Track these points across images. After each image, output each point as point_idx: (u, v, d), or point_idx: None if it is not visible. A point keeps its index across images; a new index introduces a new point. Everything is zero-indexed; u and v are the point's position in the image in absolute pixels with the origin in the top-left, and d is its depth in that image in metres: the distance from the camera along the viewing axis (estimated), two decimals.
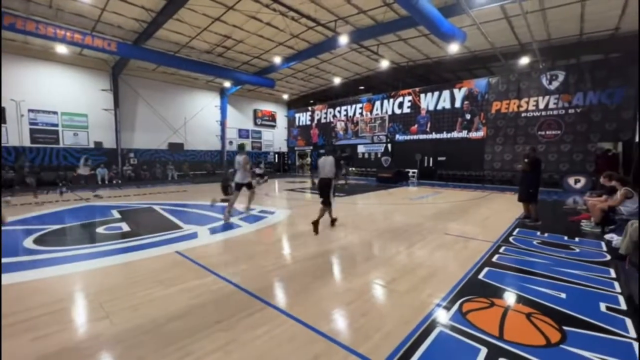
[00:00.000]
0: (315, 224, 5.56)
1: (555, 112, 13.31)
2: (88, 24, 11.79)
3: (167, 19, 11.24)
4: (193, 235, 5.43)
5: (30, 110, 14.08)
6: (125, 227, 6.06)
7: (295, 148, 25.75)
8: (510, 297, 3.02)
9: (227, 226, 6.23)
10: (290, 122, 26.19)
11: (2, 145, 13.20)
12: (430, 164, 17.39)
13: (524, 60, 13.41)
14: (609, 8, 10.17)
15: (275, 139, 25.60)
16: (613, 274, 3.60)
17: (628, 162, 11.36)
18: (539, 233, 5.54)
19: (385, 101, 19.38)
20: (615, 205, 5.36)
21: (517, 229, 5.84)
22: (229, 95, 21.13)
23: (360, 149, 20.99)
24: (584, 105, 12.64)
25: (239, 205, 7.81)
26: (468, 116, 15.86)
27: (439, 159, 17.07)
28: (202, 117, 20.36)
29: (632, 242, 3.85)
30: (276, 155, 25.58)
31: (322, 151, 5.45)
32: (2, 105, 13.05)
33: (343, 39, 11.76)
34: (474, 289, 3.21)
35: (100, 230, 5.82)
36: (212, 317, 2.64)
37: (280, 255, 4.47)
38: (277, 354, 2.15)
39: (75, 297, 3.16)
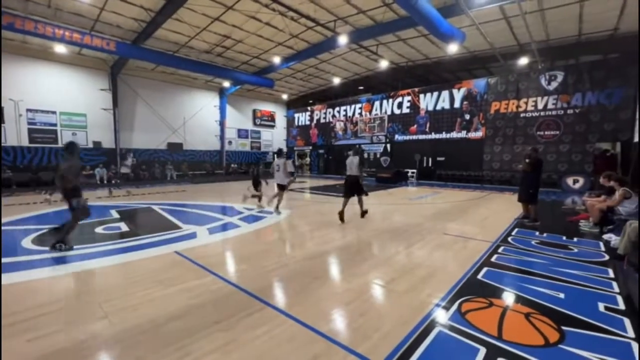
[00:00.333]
0: (341, 214, 6.41)
1: (554, 113, 13.35)
2: (87, 23, 11.76)
3: (166, 19, 11.23)
4: (192, 235, 5.42)
5: (28, 110, 14.04)
6: (124, 227, 6.06)
7: (295, 148, 25.75)
8: (509, 297, 3.03)
9: (227, 226, 6.23)
10: (290, 122, 26.19)
11: (2, 145, 13.17)
12: (430, 164, 17.42)
13: (523, 61, 13.43)
14: (607, 9, 10.20)
15: (275, 139, 25.59)
16: (611, 274, 3.61)
17: (626, 162, 11.40)
18: (537, 233, 5.56)
19: (385, 101, 19.40)
20: (614, 206, 5.38)
21: (516, 229, 5.85)
22: (228, 95, 21.11)
23: None
24: (582, 105, 12.67)
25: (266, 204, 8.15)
26: (467, 116, 15.88)
27: (438, 159, 17.09)
28: (201, 117, 20.33)
29: (631, 242, 3.87)
30: (275, 156, 25.55)
31: (349, 152, 6.76)
32: (1, 105, 13.02)
33: (342, 39, 11.76)
34: (473, 289, 3.21)
35: (99, 230, 5.80)
36: (211, 317, 2.64)
37: (279, 255, 4.47)
38: (277, 354, 2.15)
39: (74, 297, 3.15)
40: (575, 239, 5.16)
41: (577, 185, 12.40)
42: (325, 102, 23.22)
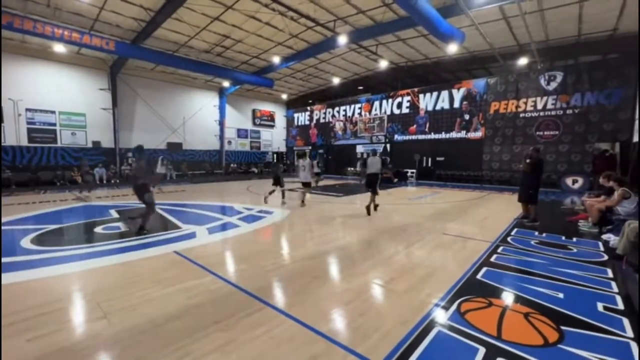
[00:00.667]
0: (368, 208, 7.23)
1: (553, 113, 13.36)
2: (86, 22, 11.75)
3: (165, 18, 11.22)
4: (191, 235, 5.42)
5: (27, 110, 14.02)
6: (123, 226, 6.05)
7: (294, 148, 25.75)
8: (508, 297, 3.03)
9: (226, 226, 6.23)
10: (289, 122, 26.18)
11: (1, 144, 13.15)
12: (429, 164, 17.43)
13: (523, 61, 13.45)
14: (607, 9, 10.21)
15: (274, 138, 25.58)
16: (610, 274, 3.61)
17: (625, 162, 11.41)
18: (537, 233, 5.56)
19: (384, 101, 19.40)
20: (613, 206, 5.38)
21: (515, 229, 5.86)
22: (227, 95, 21.10)
23: (359, 149, 21.00)
24: (582, 105, 12.69)
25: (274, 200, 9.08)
26: (467, 116, 15.90)
27: (438, 159, 17.11)
28: (201, 117, 20.32)
29: (630, 242, 3.87)
30: (275, 155, 25.56)
31: (369, 151, 7.88)
32: (0, 104, 12.99)
33: (342, 39, 11.76)
34: (473, 288, 3.21)
35: (98, 230, 5.80)
36: (210, 317, 2.64)
37: (278, 255, 4.47)
38: (276, 354, 2.15)
39: (73, 297, 3.14)
40: (574, 239, 5.17)
41: (576, 186, 12.42)
42: (324, 102, 23.22)
